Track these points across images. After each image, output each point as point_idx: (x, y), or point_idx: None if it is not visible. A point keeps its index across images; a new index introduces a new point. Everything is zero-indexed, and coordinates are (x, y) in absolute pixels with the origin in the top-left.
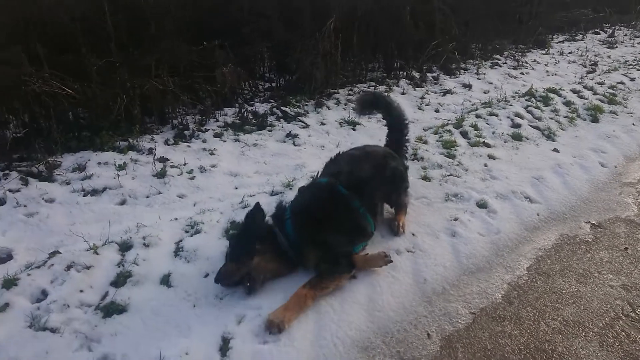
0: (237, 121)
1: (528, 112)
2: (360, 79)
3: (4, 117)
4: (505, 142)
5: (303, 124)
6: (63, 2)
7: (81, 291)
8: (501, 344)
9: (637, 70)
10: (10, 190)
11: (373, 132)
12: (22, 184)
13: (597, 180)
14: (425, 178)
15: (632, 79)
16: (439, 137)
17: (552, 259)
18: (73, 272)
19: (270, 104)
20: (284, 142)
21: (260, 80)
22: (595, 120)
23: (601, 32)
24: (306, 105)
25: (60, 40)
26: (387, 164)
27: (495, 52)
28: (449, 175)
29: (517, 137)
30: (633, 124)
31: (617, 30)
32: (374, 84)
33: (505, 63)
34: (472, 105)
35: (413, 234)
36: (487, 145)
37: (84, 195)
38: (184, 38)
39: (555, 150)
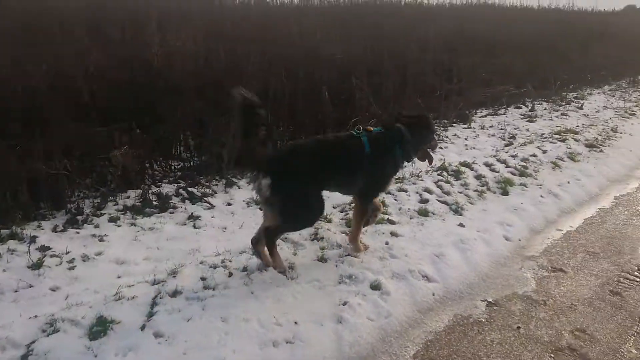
0: (138, 204)
1: (438, 186)
2: None
3: None
4: (411, 218)
5: (208, 205)
6: None
7: None
8: None
9: (551, 142)
10: None
11: None
12: None
13: (499, 255)
14: (322, 259)
15: (545, 152)
16: (344, 215)
17: (440, 343)
18: None
19: (178, 185)
20: (184, 224)
21: (176, 160)
22: (505, 193)
23: (523, 106)
24: (216, 185)
25: None
26: None
27: None
28: (346, 255)
29: (424, 213)
30: (541, 196)
31: (538, 104)
32: None
33: None
34: None
35: (296, 322)
36: (392, 222)
37: None
38: (87, 120)
39: (461, 225)
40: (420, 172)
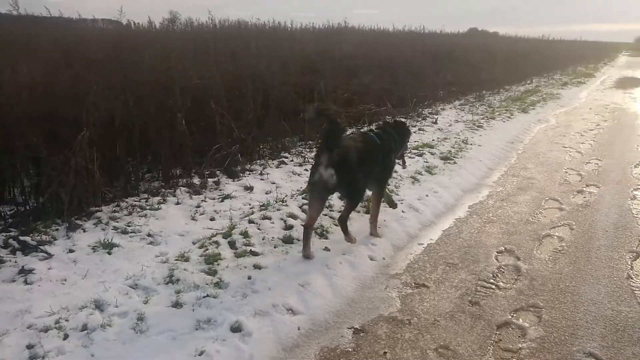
0: None
1: (303, 211)
2: (130, 192)
3: None
4: (275, 247)
5: (45, 255)
6: None
7: None
8: None
9: (410, 157)
10: None
11: (133, 255)
12: None
13: (364, 277)
14: (177, 304)
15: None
16: (204, 251)
17: None
18: None
19: (8, 234)
20: (13, 281)
21: (9, 205)
22: (368, 211)
23: None
24: (56, 229)
25: None
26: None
27: (284, 149)
28: (205, 297)
29: (289, 240)
30: (403, 211)
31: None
32: (146, 195)
33: (292, 160)
34: (250, 208)
35: None
36: (255, 253)
37: None
38: None
39: (326, 249)
40: (286, 196)
